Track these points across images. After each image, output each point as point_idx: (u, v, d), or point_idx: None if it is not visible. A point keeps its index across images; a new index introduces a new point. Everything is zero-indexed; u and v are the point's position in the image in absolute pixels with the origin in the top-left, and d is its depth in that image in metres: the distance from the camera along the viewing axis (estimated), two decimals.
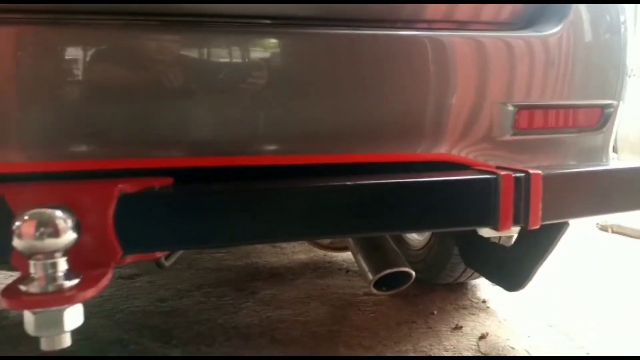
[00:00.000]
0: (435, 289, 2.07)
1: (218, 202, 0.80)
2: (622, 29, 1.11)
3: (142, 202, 0.78)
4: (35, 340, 0.76)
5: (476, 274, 1.99)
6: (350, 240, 1.37)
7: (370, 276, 1.23)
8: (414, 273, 1.26)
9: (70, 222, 0.70)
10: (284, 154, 0.93)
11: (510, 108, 1.02)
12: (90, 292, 0.72)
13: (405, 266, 1.24)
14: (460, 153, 1.02)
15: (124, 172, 0.81)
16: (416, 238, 2.16)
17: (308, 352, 1.60)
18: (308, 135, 0.92)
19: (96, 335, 1.71)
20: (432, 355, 1.59)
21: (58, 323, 0.71)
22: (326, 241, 1.74)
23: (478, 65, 1.00)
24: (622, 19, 1.12)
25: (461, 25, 1.01)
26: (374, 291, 1.26)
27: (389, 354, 1.60)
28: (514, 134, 1.04)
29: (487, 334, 1.71)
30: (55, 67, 0.79)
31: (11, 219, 0.71)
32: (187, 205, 0.79)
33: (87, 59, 0.81)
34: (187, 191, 0.80)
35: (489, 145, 1.03)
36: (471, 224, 0.92)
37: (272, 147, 0.92)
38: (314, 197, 0.82)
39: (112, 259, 0.77)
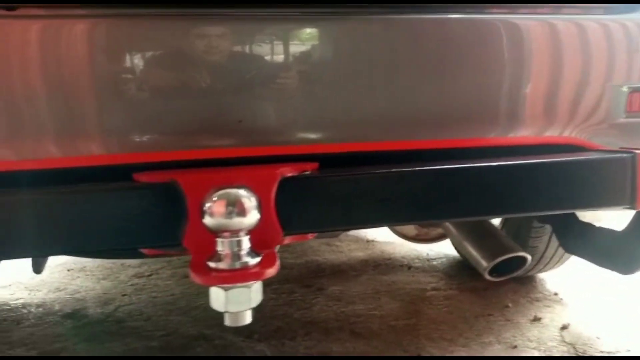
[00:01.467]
0: (503, 283, 2.06)
1: (366, 185, 0.82)
2: None
3: (299, 185, 0.81)
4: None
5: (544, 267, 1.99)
6: (452, 229, 1.38)
7: (484, 263, 1.24)
8: (530, 257, 1.26)
9: (254, 202, 0.73)
10: (399, 140, 0.93)
11: (624, 90, 1.02)
12: (273, 270, 0.74)
13: (521, 251, 1.25)
14: (575, 136, 1.02)
15: (270, 158, 0.83)
16: None
17: (391, 345, 1.61)
18: (432, 121, 0.93)
19: (178, 331, 1.74)
20: (517, 345, 1.59)
21: (246, 299, 0.74)
22: (412, 232, 1.74)
23: (593, 48, 1.00)
24: None
25: (575, 9, 1.02)
26: (488, 278, 1.26)
27: (473, 345, 1.60)
28: (627, 117, 1.05)
29: (569, 324, 1.70)
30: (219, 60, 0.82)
31: (184, 202, 0.75)
32: (339, 188, 0.81)
33: (237, 49, 0.83)
34: (339, 174, 0.82)
35: (602, 128, 1.04)
36: (606, 204, 0.92)
37: (393, 133, 0.93)
38: (457, 179, 0.83)
39: (276, 240, 0.80)
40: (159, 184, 0.78)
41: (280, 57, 0.85)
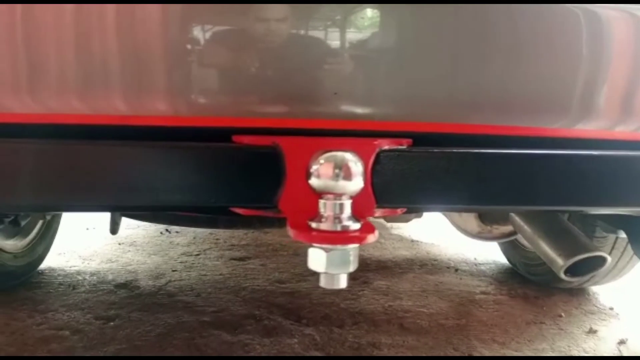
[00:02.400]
0: (555, 293, 2.01)
1: (461, 164, 0.82)
2: None
3: (395, 159, 0.82)
4: None
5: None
6: (524, 225, 1.35)
7: (560, 261, 1.20)
8: (609, 257, 1.22)
9: (360, 168, 0.75)
10: (494, 124, 0.91)
11: None
12: (373, 237, 0.74)
13: (600, 250, 1.21)
14: None
15: (363, 132, 0.83)
16: None
17: (441, 342, 1.59)
18: (529, 108, 0.90)
19: (228, 309, 1.77)
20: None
21: (346, 262, 0.75)
22: (475, 230, 1.72)
23: None
24: None
25: None
26: (564, 277, 1.23)
27: (525, 351, 1.57)
28: None
29: (627, 339, 1.65)
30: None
31: (284, 166, 0.77)
32: (433, 165, 0.82)
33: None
34: (435, 151, 0.83)
35: None
36: None
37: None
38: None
39: (369, 211, 0.81)
40: (260, 146, 0.81)
41: (377, 33, 0.85)
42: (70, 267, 2.19)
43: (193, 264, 2.25)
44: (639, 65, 0.89)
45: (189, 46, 0.81)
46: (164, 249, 2.46)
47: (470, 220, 1.56)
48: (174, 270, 2.15)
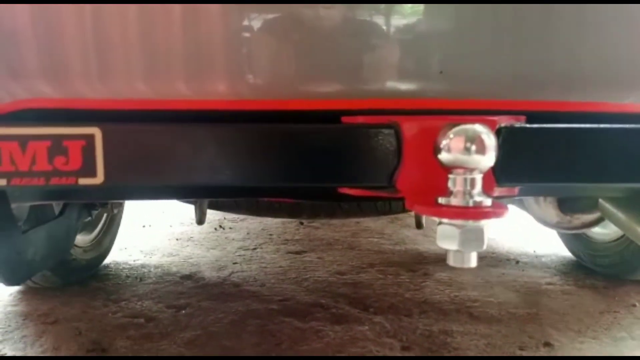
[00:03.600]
0: (625, 284, 1.95)
1: (580, 141, 0.82)
2: None
3: (514, 135, 0.82)
4: None
5: None
6: (618, 213, 1.29)
7: None
8: None
9: (493, 141, 0.74)
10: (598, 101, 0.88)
11: None
12: (505, 213, 0.74)
13: None
14: None
15: (473, 111, 0.83)
16: (601, 231, 2.05)
17: (514, 330, 1.56)
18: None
19: (294, 298, 1.78)
20: None
21: (480, 239, 0.74)
22: (555, 219, 1.66)
23: None
24: None
25: None
26: None
27: (603, 339, 1.52)
28: None
29: None
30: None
31: (400, 145, 0.80)
32: (551, 141, 0.82)
33: None
34: (552, 128, 0.82)
35: None
36: None
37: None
38: None
39: (490, 188, 0.80)
40: (377, 125, 0.82)
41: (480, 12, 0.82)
42: (133, 260, 2.24)
43: (252, 257, 2.28)
44: None
45: (299, 35, 0.82)
46: (220, 244, 2.49)
47: (549, 210, 1.52)
48: (234, 263, 2.18)
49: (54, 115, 0.85)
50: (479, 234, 0.74)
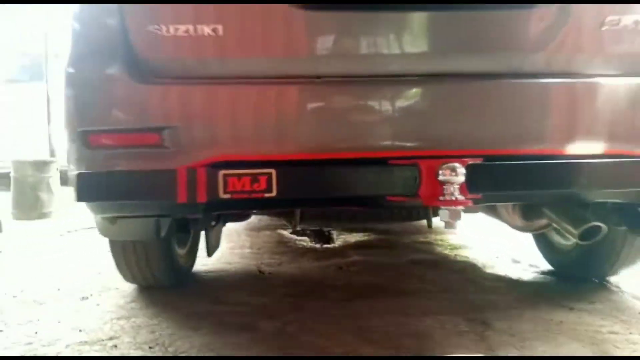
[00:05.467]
0: None
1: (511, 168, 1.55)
2: None
3: (475, 167, 1.49)
4: None
5: None
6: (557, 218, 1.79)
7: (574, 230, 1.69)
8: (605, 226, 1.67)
9: (462, 171, 1.47)
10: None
11: None
12: (468, 204, 1.49)
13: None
14: None
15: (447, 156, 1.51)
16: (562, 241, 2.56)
17: None
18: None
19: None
20: None
21: (458, 214, 1.49)
22: (520, 224, 2.19)
23: None
24: None
25: None
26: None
27: None
28: None
29: None
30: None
31: (420, 173, 1.49)
32: (497, 170, 1.53)
33: None
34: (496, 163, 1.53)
35: None
36: None
37: None
38: None
39: (465, 193, 1.49)
40: (407, 165, 1.49)
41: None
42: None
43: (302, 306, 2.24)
44: None
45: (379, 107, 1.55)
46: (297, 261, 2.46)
47: (516, 217, 2.14)
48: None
49: (233, 163, 1.46)
50: (457, 212, 1.48)
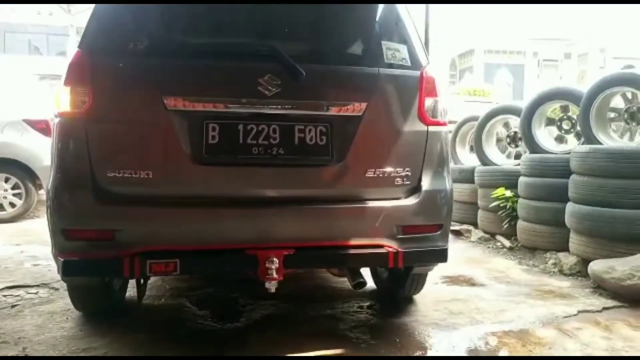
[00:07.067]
0: None
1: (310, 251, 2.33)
2: None
3: (288, 255, 2.22)
4: None
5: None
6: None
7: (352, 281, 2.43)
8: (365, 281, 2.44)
9: (278, 260, 2.20)
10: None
11: None
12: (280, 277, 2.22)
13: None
14: None
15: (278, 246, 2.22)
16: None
17: None
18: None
19: None
20: None
21: (275, 284, 2.26)
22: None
23: None
24: None
25: None
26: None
27: None
28: None
29: None
30: None
31: (257, 260, 2.20)
32: (302, 257, 2.29)
33: None
34: (309, 252, 2.32)
35: None
36: None
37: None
38: None
39: (281, 270, 2.21)
40: (251, 254, 2.18)
41: None
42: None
43: None
44: None
45: None
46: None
47: (333, 271, 3.10)
48: None
49: (155, 252, 2.19)
50: (275, 283, 2.24)
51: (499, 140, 5.30)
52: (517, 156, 5.00)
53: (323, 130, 2.21)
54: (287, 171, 2.22)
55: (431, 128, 2.35)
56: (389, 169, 2.28)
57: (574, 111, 4.39)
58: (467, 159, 5.78)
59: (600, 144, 3.75)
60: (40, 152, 5.56)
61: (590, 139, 3.83)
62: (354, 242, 2.26)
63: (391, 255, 2.26)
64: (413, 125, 2.31)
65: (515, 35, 28.59)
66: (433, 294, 3.17)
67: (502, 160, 5.13)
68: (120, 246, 2.08)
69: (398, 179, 2.29)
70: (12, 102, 5.70)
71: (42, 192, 5.76)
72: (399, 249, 2.27)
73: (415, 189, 2.33)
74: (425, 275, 2.90)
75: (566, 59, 34.28)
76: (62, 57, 23.61)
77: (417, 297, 3.08)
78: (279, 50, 2.16)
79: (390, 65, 2.33)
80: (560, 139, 4.58)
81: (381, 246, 2.27)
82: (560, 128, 4.57)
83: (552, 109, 4.59)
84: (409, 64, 2.36)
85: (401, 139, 2.30)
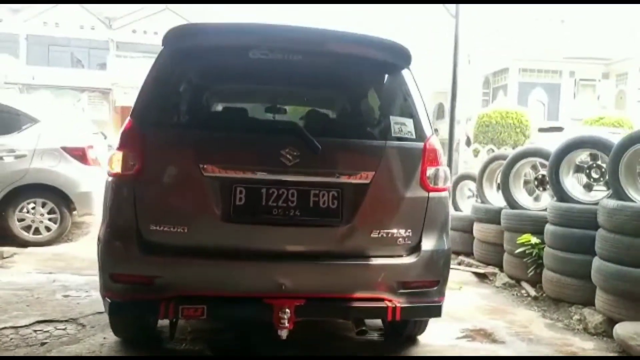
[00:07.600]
0: None
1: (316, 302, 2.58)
2: None
3: (299, 306, 2.47)
4: None
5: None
6: None
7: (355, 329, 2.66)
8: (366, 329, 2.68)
9: (289, 310, 2.46)
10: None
11: None
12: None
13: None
14: None
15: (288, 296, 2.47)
16: None
17: None
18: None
19: None
20: None
21: (287, 331, 2.51)
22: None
23: None
24: None
25: None
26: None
27: None
28: None
29: None
30: None
31: (273, 310, 2.46)
32: (311, 307, 2.54)
33: None
34: (319, 303, 2.59)
35: None
36: None
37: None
38: None
39: (293, 318, 2.47)
40: (268, 303, 2.42)
41: None
42: None
43: None
44: None
45: None
46: None
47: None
48: None
49: (187, 297, 2.48)
50: (287, 331, 2.46)
51: (526, 182, 5.24)
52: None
53: (335, 195, 2.47)
54: (302, 230, 2.47)
55: (432, 194, 2.59)
56: (392, 230, 2.51)
57: (604, 159, 4.31)
58: (494, 198, 5.71)
59: (630, 199, 3.66)
60: (76, 178, 5.81)
61: (619, 193, 3.75)
62: (358, 294, 2.50)
63: (390, 310, 2.49)
64: (415, 192, 2.56)
65: (551, 53, 28.10)
66: (452, 349, 3.14)
67: (530, 203, 5.07)
68: (158, 290, 2.38)
69: (400, 239, 2.52)
70: (52, 130, 5.92)
71: (76, 213, 6.04)
72: (397, 304, 2.50)
73: (415, 248, 2.56)
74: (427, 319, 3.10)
75: (604, 79, 33.57)
76: (103, 70, 25.52)
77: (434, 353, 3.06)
78: (299, 127, 2.56)
79: (397, 139, 2.60)
80: (589, 187, 4.51)
81: (382, 299, 2.51)
82: (589, 176, 4.49)
83: (581, 156, 4.53)
84: (413, 136, 2.61)
85: (404, 203, 2.55)
